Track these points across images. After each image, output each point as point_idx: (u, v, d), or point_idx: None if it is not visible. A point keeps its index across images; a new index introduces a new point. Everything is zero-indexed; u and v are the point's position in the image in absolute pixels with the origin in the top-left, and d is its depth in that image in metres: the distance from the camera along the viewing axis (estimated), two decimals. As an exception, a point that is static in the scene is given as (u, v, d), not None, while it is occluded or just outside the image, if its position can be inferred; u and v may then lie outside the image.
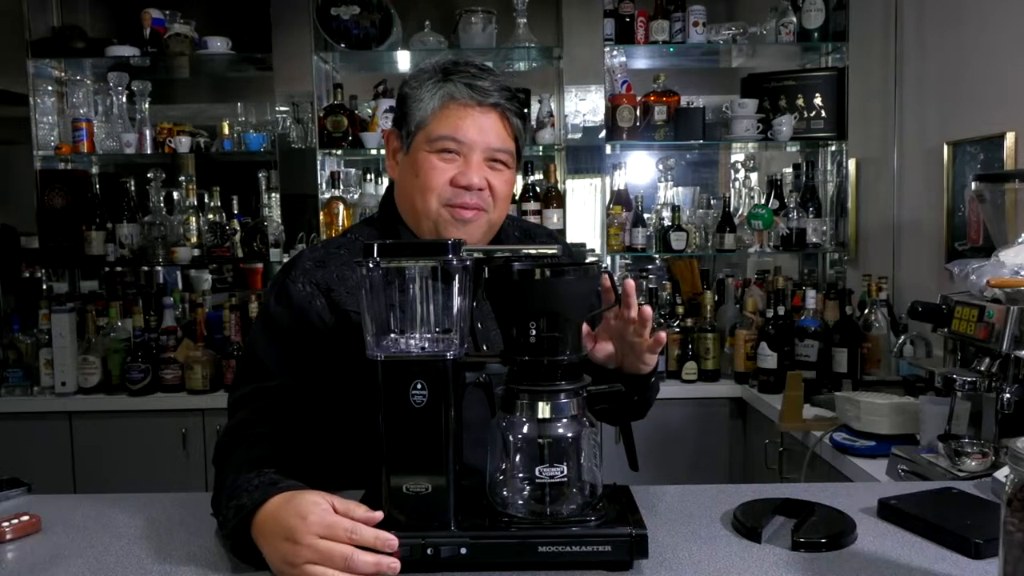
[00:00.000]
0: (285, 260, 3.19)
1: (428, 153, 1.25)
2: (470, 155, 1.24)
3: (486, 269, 1.00)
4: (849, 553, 1.02)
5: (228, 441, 1.17)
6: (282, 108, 3.20)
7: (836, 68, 3.23)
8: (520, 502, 0.99)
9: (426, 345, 0.99)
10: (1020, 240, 1.60)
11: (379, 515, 0.95)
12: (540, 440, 0.98)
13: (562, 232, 3.09)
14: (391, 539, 0.93)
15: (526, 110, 1.36)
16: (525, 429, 0.99)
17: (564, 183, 3.17)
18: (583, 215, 3.23)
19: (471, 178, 1.23)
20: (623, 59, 3.27)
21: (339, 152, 3.33)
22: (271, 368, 1.22)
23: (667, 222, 3.17)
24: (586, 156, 3.24)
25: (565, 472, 0.97)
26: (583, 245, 3.04)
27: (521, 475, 1.00)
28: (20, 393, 2.89)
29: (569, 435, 0.98)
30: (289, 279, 1.26)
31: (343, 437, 1.24)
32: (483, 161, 1.25)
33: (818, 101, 3.22)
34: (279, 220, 3.18)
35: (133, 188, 3.21)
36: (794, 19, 3.14)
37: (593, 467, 1.00)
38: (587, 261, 1.42)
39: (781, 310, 2.67)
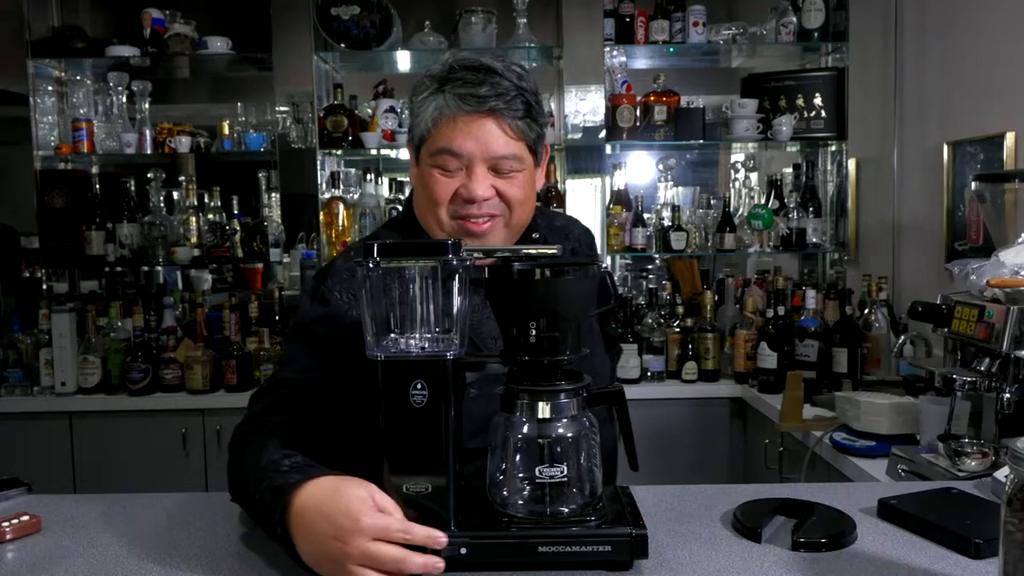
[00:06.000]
0: (285, 260, 3.20)
1: (431, 168, 1.22)
2: (472, 166, 1.20)
3: (486, 269, 1.00)
4: (849, 553, 1.02)
5: (247, 428, 1.15)
6: (282, 108, 3.20)
7: (836, 68, 3.22)
8: (520, 502, 0.99)
9: (426, 345, 0.99)
10: (1020, 240, 1.60)
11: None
12: (540, 440, 0.98)
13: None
14: (441, 537, 0.91)
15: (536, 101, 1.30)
16: (525, 429, 0.99)
17: (564, 183, 3.17)
18: (583, 215, 3.22)
19: (474, 191, 1.19)
20: (623, 59, 3.27)
21: (339, 152, 3.33)
22: (297, 364, 1.20)
23: (667, 222, 3.16)
24: (586, 156, 3.24)
25: (565, 472, 0.97)
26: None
27: (521, 475, 0.99)
28: (20, 393, 2.89)
29: (569, 435, 0.98)
30: (325, 287, 1.24)
31: (345, 437, 1.23)
32: (487, 170, 1.21)
33: (818, 101, 3.21)
34: (279, 220, 3.18)
35: (133, 188, 3.21)
36: (794, 19, 3.14)
37: (593, 467, 1.00)
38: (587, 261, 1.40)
39: (781, 310, 2.66)
